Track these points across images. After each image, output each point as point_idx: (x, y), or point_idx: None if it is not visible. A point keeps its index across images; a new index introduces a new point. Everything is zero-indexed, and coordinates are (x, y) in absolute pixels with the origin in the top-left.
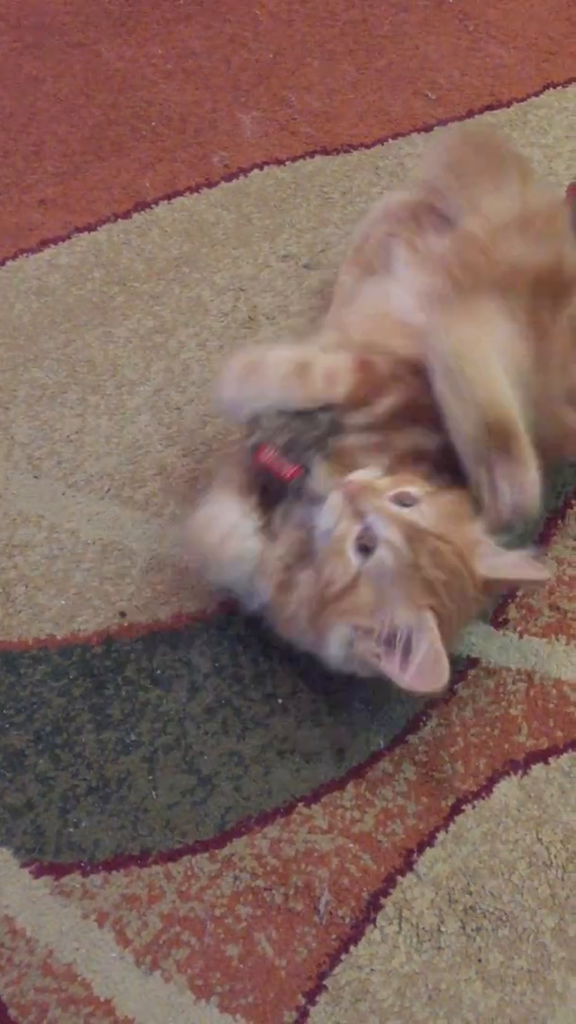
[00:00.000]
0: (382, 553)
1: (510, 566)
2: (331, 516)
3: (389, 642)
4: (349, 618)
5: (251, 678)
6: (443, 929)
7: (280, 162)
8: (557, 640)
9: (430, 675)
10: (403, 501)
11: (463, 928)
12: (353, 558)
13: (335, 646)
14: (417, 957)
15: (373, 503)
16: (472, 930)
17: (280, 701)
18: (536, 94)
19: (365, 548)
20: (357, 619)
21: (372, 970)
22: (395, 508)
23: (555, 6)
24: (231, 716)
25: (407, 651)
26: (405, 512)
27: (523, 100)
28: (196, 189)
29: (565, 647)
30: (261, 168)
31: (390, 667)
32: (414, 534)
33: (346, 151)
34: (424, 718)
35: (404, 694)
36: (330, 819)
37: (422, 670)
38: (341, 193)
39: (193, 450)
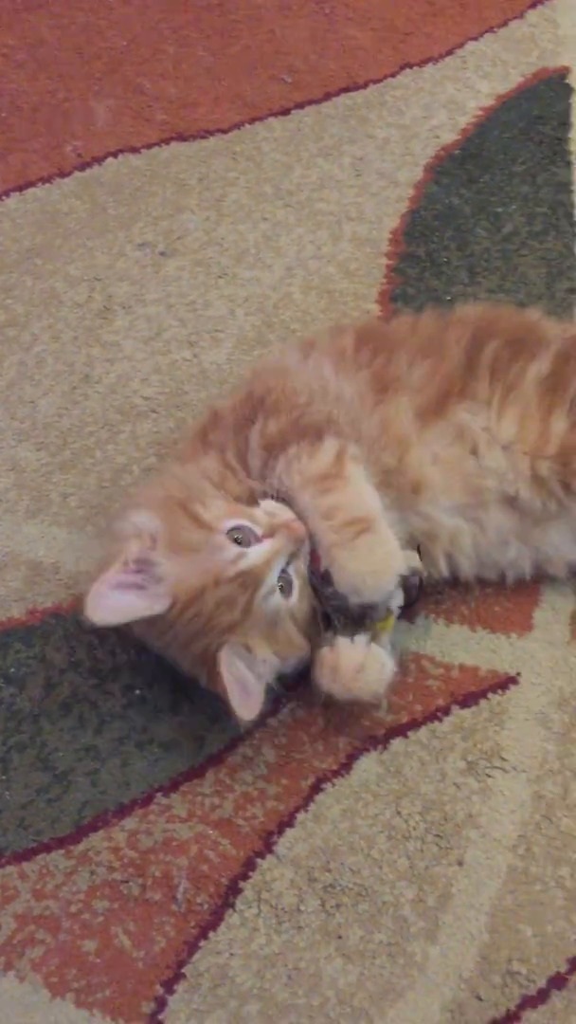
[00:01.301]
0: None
1: None
2: None
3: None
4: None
5: (108, 671)
6: (303, 908)
7: (135, 150)
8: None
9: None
10: None
11: (323, 906)
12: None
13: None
14: (277, 938)
15: None
16: (332, 907)
17: (138, 692)
18: (393, 75)
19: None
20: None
21: (231, 954)
22: None
23: None
24: (87, 711)
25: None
26: None
27: (380, 81)
28: (48, 179)
29: (423, 621)
30: (116, 156)
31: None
32: None
33: (202, 137)
34: (284, 700)
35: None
36: (189, 807)
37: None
38: (198, 179)
39: (48, 444)
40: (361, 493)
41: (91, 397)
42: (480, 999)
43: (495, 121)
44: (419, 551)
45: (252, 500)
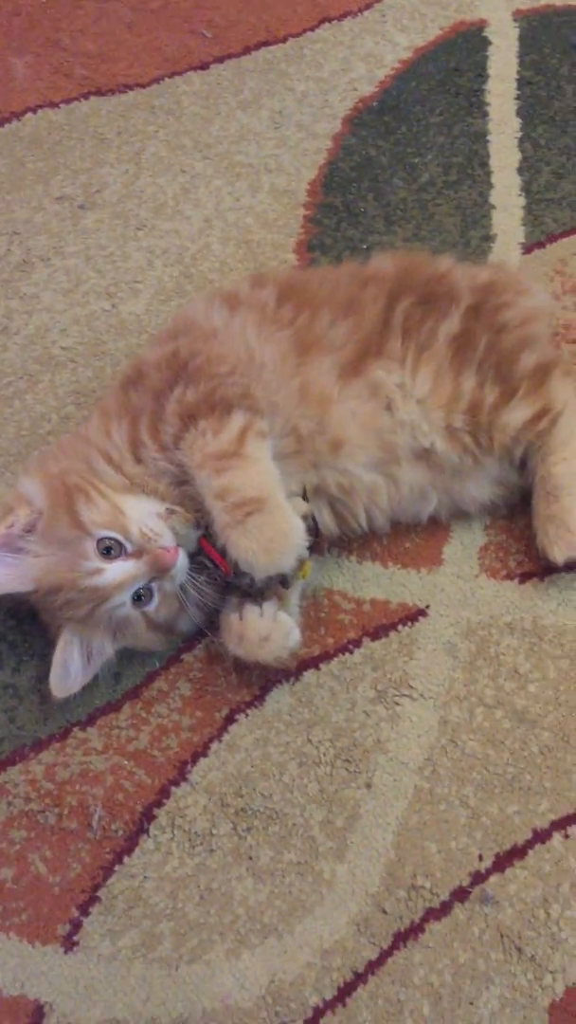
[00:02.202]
0: None
1: None
2: None
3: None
4: None
5: (26, 613)
6: (215, 832)
7: (54, 105)
8: (328, 552)
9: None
10: None
11: (235, 829)
12: None
13: None
14: (190, 861)
15: None
16: (243, 830)
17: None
18: (312, 29)
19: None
20: None
21: (145, 877)
22: None
23: None
24: (5, 650)
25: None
26: None
27: (299, 35)
28: None
29: (336, 559)
30: (35, 111)
31: None
32: None
33: (121, 91)
34: (200, 637)
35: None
36: (105, 740)
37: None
38: (116, 133)
39: None
40: (257, 473)
41: (10, 348)
42: (385, 912)
43: (413, 73)
44: (304, 495)
45: (146, 489)
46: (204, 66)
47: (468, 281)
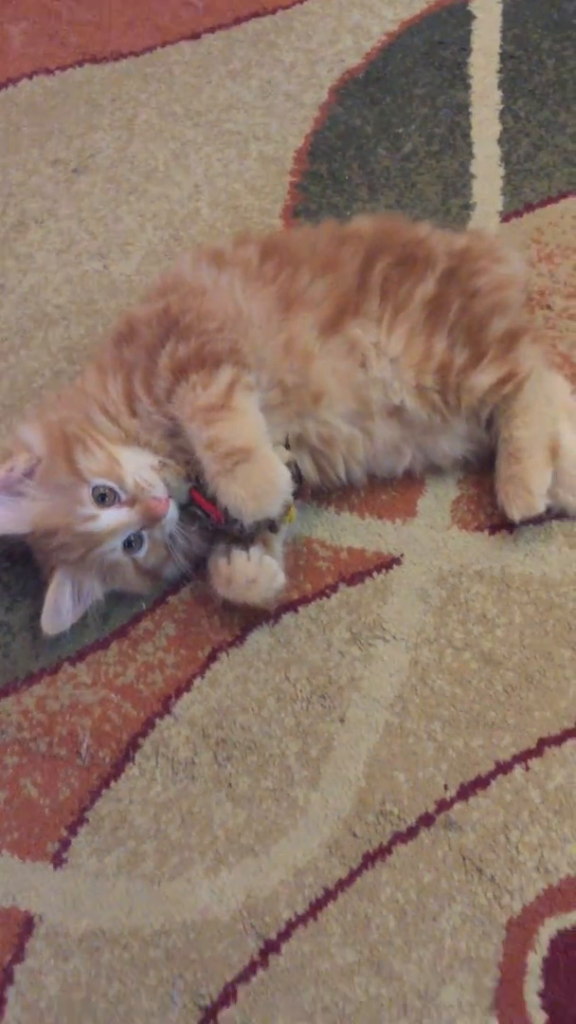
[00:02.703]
0: None
1: None
2: None
3: None
4: None
5: (20, 555)
6: (196, 761)
7: (49, 71)
8: (309, 504)
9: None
10: None
11: (215, 758)
12: None
13: None
14: (172, 787)
15: None
16: (223, 759)
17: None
18: (301, 1)
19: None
20: None
21: (130, 801)
22: None
23: None
24: (1, 590)
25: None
26: None
27: (288, 7)
28: None
29: (316, 510)
30: (30, 78)
31: None
32: None
33: (115, 59)
34: (185, 581)
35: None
36: (94, 675)
37: None
38: (110, 100)
39: None
40: (244, 424)
41: (4, 305)
42: (355, 835)
43: (399, 46)
44: (287, 443)
45: (141, 442)
46: (196, 36)
47: (445, 247)
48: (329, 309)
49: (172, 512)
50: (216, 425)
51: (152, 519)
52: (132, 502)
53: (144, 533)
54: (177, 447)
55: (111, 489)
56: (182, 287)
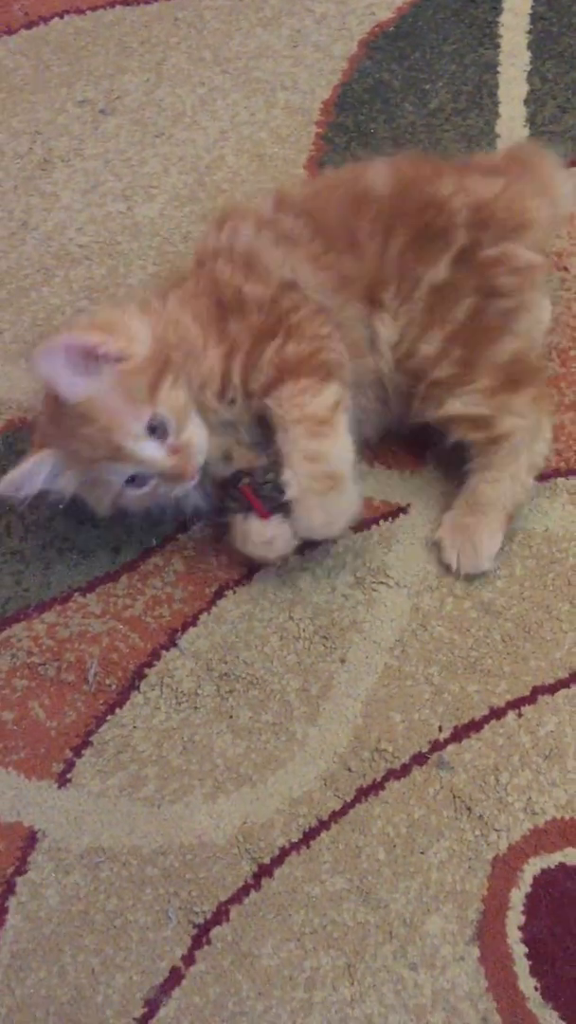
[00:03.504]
0: None
1: None
2: None
3: None
4: None
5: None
6: (200, 692)
7: (80, 11)
8: None
9: None
10: None
11: (218, 691)
12: None
13: None
14: (175, 716)
15: None
16: (226, 692)
17: (61, 506)
18: None
19: None
20: None
21: (135, 727)
22: None
23: None
24: (15, 520)
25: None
26: None
27: None
28: None
29: None
30: (62, 17)
31: None
32: None
33: (146, 2)
34: (195, 519)
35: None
36: (103, 606)
37: None
38: (140, 42)
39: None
40: (345, 448)
41: (28, 243)
42: (350, 770)
43: (430, 2)
44: None
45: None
46: None
47: (468, 211)
48: (359, 291)
49: (189, 486)
50: (323, 440)
51: (174, 477)
52: (175, 451)
53: (153, 480)
54: (226, 433)
55: (167, 429)
56: (261, 269)
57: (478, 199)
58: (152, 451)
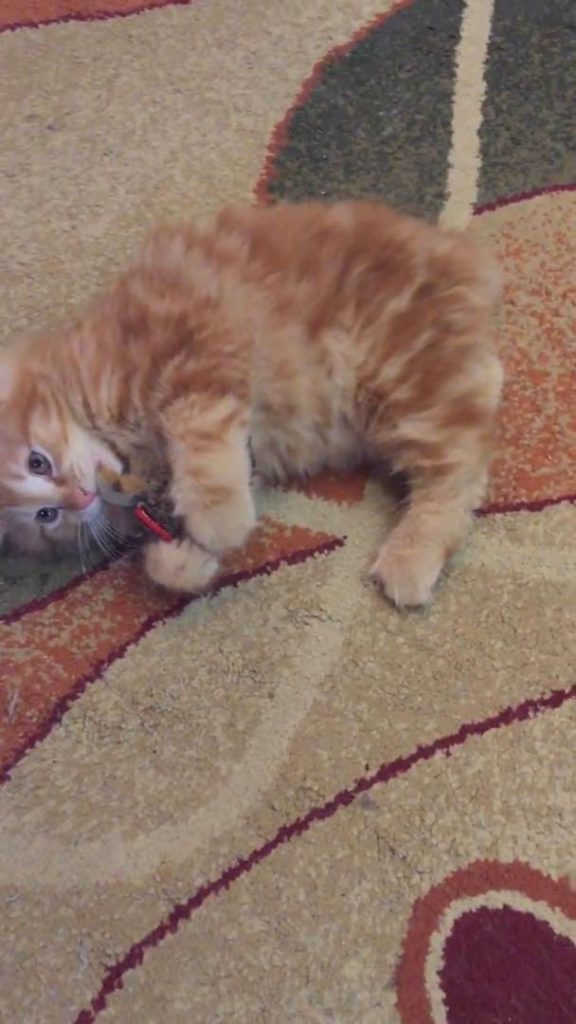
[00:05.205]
0: None
1: None
2: None
3: None
4: None
5: None
6: (124, 726)
7: (33, 24)
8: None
9: None
10: None
11: (142, 725)
12: None
13: None
14: (97, 750)
15: None
16: (150, 726)
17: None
18: None
19: None
20: None
21: (54, 762)
22: None
23: None
24: None
25: None
26: None
27: None
28: None
29: (263, 487)
30: (13, 29)
31: None
32: None
33: (101, 18)
34: (129, 547)
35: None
36: (28, 635)
37: None
38: (92, 58)
39: None
40: (232, 462)
41: None
42: (274, 808)
43: (388, 28)
44: (248, 443)
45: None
46: (185, 0)
47: (426, 254)
48: (309, 317)
49: (93, 508)
50: (206, 455)
51: (71, 506)
52: (61, 482)
53: (61, 511)
54: (140, 456)
55: (47, 461)
56: (184, 286)
57: (433, 252)
58: (39, 487)
